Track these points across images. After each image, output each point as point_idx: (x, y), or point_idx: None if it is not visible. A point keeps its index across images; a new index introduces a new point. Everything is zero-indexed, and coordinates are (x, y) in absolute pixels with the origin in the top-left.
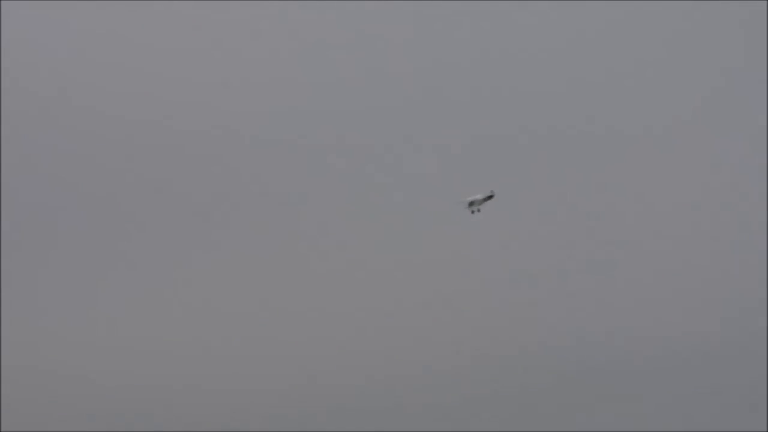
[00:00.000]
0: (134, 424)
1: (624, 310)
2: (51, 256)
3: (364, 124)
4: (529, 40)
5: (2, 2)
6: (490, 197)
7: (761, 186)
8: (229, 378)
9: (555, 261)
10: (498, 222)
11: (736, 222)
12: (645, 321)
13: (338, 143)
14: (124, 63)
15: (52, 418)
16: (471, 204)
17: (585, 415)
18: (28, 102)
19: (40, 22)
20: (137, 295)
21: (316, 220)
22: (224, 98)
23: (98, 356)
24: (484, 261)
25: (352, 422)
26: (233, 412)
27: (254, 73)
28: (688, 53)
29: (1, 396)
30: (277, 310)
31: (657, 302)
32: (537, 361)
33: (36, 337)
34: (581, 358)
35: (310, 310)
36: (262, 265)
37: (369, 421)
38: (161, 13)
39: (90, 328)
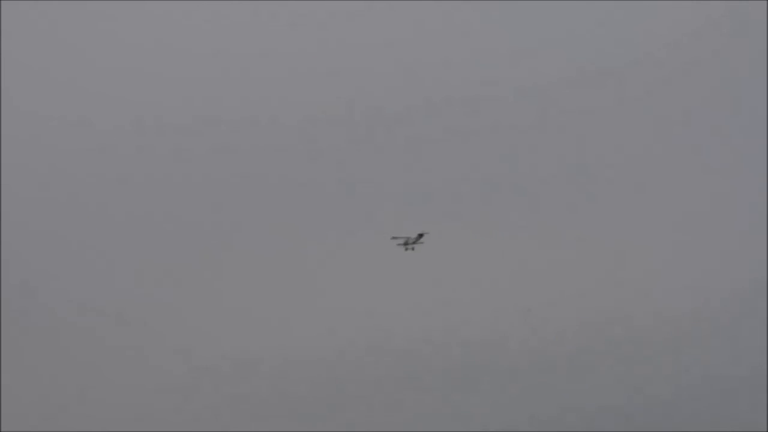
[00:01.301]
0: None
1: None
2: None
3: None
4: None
5: (2, 2)
6: (421, 236)
7: (761, 188)
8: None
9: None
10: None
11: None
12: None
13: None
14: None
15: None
16: (405, 243)
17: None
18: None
19: (37, 26)
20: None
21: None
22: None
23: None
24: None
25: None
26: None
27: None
28: (688, 53)
29: (1, 395)
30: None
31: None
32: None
33: (37, 336)
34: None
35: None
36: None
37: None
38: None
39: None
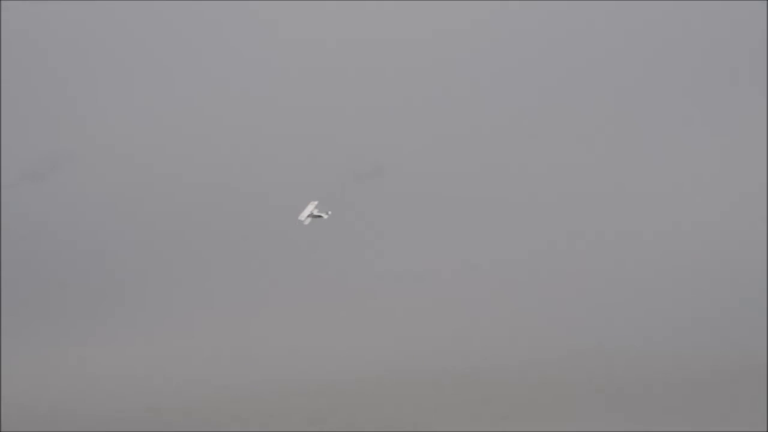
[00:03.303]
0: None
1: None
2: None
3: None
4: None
5: (2, 2)
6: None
7: (761, 190)
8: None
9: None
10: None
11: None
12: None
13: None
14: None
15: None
16: (309, 216)
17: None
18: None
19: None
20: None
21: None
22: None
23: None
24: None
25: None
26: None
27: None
28: (688, 53)
29: (1, 396)
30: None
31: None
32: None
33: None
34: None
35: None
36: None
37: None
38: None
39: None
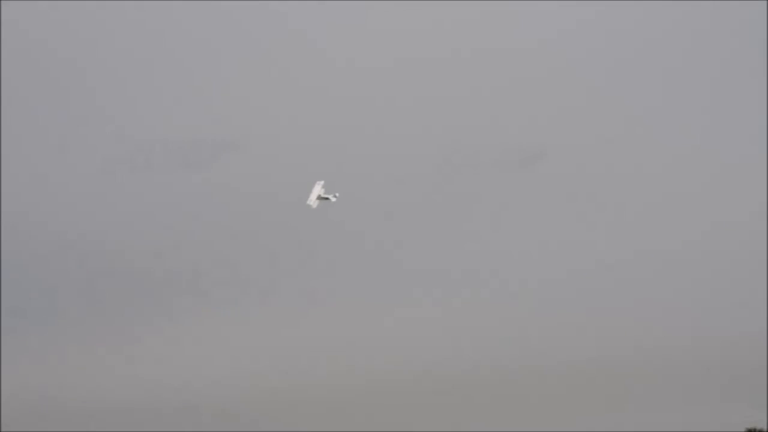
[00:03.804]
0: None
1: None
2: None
3: None
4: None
5: (2, 2)
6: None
7: (761, 189)
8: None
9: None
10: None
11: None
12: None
13: None
14: None
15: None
16: (318, 197)
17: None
18: None
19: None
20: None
21: None
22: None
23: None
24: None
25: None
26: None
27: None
28: (689, 53)
29: (1, 400)
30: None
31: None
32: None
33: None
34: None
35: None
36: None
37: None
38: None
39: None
